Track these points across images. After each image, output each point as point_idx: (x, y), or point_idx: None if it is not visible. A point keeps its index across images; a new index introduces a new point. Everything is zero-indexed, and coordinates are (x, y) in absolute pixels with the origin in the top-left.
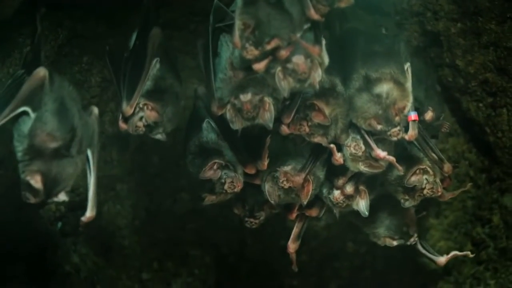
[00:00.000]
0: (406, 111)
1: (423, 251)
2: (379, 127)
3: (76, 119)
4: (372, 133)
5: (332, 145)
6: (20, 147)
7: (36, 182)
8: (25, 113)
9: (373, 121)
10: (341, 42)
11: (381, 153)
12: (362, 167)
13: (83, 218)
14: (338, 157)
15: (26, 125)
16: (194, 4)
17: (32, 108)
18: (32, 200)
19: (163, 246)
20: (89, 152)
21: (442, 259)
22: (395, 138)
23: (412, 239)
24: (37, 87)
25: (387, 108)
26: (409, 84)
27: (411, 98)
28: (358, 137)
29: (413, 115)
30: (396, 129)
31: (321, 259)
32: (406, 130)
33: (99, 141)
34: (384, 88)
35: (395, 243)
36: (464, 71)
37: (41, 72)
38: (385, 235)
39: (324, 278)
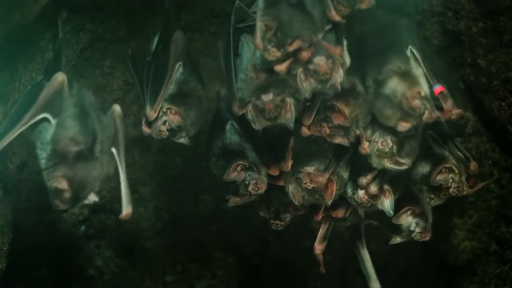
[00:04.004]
0: (422, 93)
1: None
2: (409, 125)
3: (96, 123)
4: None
5: (362, 134)
6: (43, 155)
7: (63, 186)
8: (45, 119)
9: (401, 123)
10: (360, 43)
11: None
12: (388, 164)
13: (121, 216)
14: (366, 146)
15: (48, 132)
16: (214, 6)
17: (52, 114)
18: (63, 206)
19: (186, 248)
20: (114, 151)
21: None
22: (432, 120)
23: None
24: (55, 92)
25: (402, 105)
26: (414, 68)
27: (422, 79)
28: (386, 132)
29: (438, 88)
30: (426, 114)
31: (344, 259)
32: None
33: (124, 139)
34: (389, 87)
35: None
36: (486, 70)
37: (60, 77)
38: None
39: (348, 278)
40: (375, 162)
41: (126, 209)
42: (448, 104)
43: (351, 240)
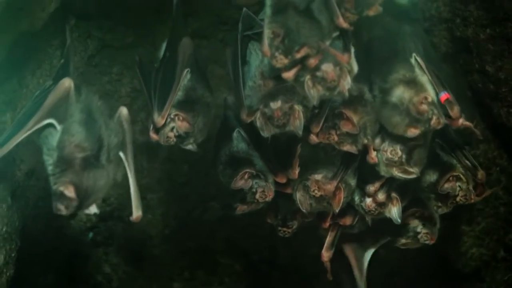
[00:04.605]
0: (429, 99)
1: None
2: (418, 131)
3: (103, 129)
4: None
5: (370, 143)
6: (50, 161)
7: (70, 192)
8: (51, 125)
9: (410, 129)
10: (368, 50)
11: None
12: (396, 172)
13: (131, 219)
14: (373, 156)
15: (54, 138)
16: (222, 13)
17: (58, 120)
18: (64, 211)
19: (194, 255)
20: (122, 155)
21: None
22: (440, 126)
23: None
24: (61, 98)
25: (410, 111)
26: (419, 75)
27: (428, 86)
28: (394, 141)
29: (444, 95)
30: (434, 119)
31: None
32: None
33: (132, 142)
34: (396, 95)
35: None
36: (494, 77)
37: (66, 83)
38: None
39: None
40: (383, 170)
41: (136, 212)
42: (455, 111)
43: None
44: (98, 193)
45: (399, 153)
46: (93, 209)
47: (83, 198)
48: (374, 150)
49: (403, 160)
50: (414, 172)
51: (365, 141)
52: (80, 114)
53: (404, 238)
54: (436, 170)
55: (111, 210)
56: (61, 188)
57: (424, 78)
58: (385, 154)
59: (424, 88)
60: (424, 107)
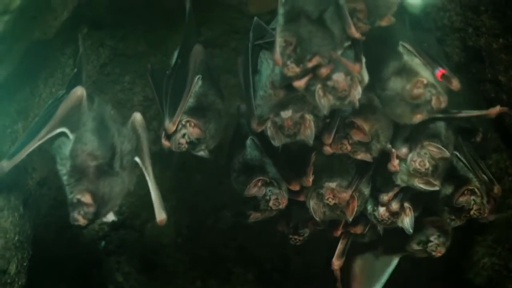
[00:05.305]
0: (424, 82)
1: None
2: (422, 116)
3: (116, 137)
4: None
5: (393, 150)
6: (64, 170)
7: (87, 199)
8: (63, 134)
9: (416, 116)
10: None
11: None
12: (417, 183)
13: (157, 221)
14: (395, 164)
15: (66, 147)
16: (235, 22)
17: (71, 129)
18: (81, 221)
19: (206, 264)
20: (138, 160)
21: None
22: (443, 105)
23: None
24: (74, 107)
25: (407, 99)
26: (409, 61)
27: (421, 68)
28: (423, 153)
29: (439, 71)
30: (434, 100)
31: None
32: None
33: (148, 146)
34: (390, 88)
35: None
36: (507, 87)
37: (78, 91)
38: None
39: None
40: (402, 179)
41: (160, 215)
42: (454, 83)
43: None
44: (115, 200)
45: (427, 164)
46: (110, 217)
47: (101, 205)
48: (397, 158)
49: (429, 172)
50: (437, 184)
51: (388, 146)
52: (92, 122)
53: (416, 242)
54: (452, 183)
55: (123, 219)
56: (78, 196)
57: (415, 62)
58: (413, 164)
59: (415, 72)
60: (419, 90)
